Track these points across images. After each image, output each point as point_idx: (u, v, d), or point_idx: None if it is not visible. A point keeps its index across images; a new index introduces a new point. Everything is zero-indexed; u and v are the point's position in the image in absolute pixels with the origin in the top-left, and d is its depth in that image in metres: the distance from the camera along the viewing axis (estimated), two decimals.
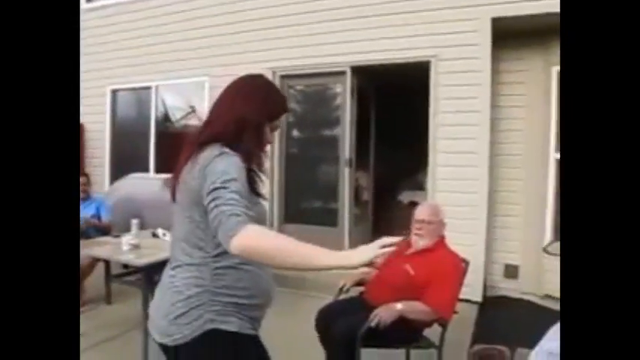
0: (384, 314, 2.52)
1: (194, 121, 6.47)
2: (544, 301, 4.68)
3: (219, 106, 1.60)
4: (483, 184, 4.71)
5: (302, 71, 5.52)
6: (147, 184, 5.36)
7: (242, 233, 1.28)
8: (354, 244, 5.52)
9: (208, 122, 1.58)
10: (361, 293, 2.94)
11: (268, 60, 5.56)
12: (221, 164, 1.41)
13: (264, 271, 1.59)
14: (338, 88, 5.58)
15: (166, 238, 3.92)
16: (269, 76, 5.56)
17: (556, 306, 4.31)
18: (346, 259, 1.30)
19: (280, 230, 5.73)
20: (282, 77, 5.65)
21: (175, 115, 6.73)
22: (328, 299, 2.99)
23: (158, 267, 3.38)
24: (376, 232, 6.33)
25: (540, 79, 4.78)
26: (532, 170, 4.87)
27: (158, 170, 6.46)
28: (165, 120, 6.74)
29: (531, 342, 1.71)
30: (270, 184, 5.61)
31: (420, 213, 2.86)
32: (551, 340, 1.52)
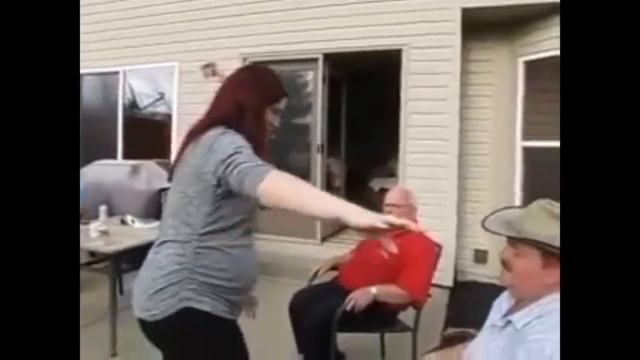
0: (359, 298, 2.54)
1: (163, 109, 6.36)
2: None
3: (220, 95, 1.68)
4: (453, 170, 4.79)
5: (274, 58, 5.47)
6: (114, 170, 5.25)
7: (269, 177, 1.32)
8: (324, 230, 5.57)
9: (210, 110, 1.65)
10: (335, 278, 2.96)
11: (240, 46, 5.50)
12: (227, 139, 1.47)
13: (249, 256, 1.61)
14: (309, 76, 5.57)
15: (135, 225, 3.85)
16: (240, 63, 5.51)
17: None
18: (353, 216, 1.23)
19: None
20: (254, 64, 5.58)
21: (143, 102, 6.60)
22: (299, 285, 3.00)
23: (126, 254, 3.34)
24: None
25: (507, 70, 4.89)
26: (499, 158, 4.99)
27: (126, 156, 6.32)
28: (132, 106, 6.59)
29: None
30: None
31: (390, 197, 2.91)
32: (494, 314, 1.57)
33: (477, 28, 4.81)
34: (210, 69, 5.56)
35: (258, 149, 1.54)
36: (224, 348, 1.58)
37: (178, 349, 1.54)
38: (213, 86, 5.94)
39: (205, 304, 1.51)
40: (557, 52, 4.43)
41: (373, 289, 2.58)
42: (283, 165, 5.80)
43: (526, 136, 4.80)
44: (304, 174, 5.63)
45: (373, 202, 8.00)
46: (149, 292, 1.51)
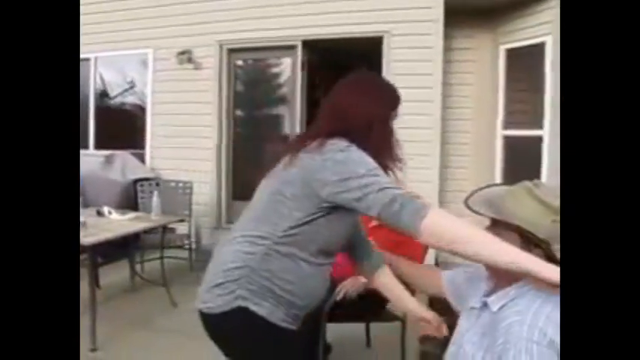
0: (349, 287, 2.50)
1: (133, 98, 6.17)
2: None
3: (340, 101, 1.53)
4: (435, 159, 4.78)
5: (251, 45, 5.36)
6: (87, 160, 5.07)
7: (432, 215, 1.25)
8: None
9: (330, 117, 1.52)
10: None
11: (216, 32, 5.34)
12: (356, 155, 1.37)
13: (320, 276, 1.53)
14: (282, 65, 5.49)
15: (112, 217, 3.71)
16: (216, 49, 5.38)
17: None
18: (546, 272, 1.18)
19: (229, 207, 5.63)
20: (230, 51, 5.46)
21: (114, 90, 6.38)
22: None
23: (104, 246, 3.23)
24: None
25: (489, 58, 4.90)
26: (481, 147, 5.01)
27: (98, 146, 6.12)
28: (103, 95, 6.37)
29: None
30: (217, 163, 5.49)
31: None
32: (473, 295, 1.54)
33: (459, 16, 4.79)
34: (185, 56, 5.41)
35: (386, 168, 1.46)
36: (277, 356, 1.50)
37: (232, 347, 1.51)
38: (189, 74, 5.76)
39: (262, 308, 1.43)
40: (538, 40, 4.46)
41: (363, 278, 2.54)
42: (260, 156, 5.79)
43: (507, 124, 4.83)
44: None
45: None
46: (209, 285, 1.48)
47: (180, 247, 4.58)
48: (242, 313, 1.42)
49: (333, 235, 1.49)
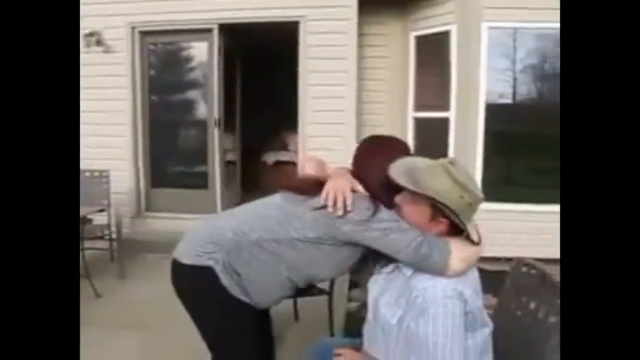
0: None
1: None
2: None
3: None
4: (351, 141, 4.98)
5: (165, 28, 5.22)
6: None
7: (454, 252, 1.51)
8: (226, 206, 5.53)
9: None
10: None
11: (128, 14, 5.14)
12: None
13: (287, 291, 1.72)
14: (202, 47, 5.39)
15: None
16: (127, 32, 5.19)
17: None
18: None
19: (148, 195, 5.52)
20: (143, 34, 5.28)
21: None
22: None
23: None
24: (245, 193, 6.38)
25: (400, 43, 5.16)
26: (393, 128, 5.28)
27: None
28: None
29: None
30: (134, 150, 5.35)
31: (300, 165, 2.98)
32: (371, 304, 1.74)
33: (372, 3, 4.99)
34: (94, 38, 5.15)
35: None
36: (227, 316, 1.69)
37: (192, 298, 1.73)
38: (99, 58, 5.50)
39: (225, 281, 1.64)
40: (444, 29, 4.78)
41: None
42: (177, 142, 5.68)
43: (417, 107, 5.14)
44: (200, 150, 5.52)
45: (267, 175, 8.09)
46: (193, 244, 1.71)
47: (101, 237, 4.45)
48: (209, 271, 1.63)
49: (327, 265, 1.66)
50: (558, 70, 4.74)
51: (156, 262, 4.25)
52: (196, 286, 1.69)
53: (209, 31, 5.19)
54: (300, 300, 3.35)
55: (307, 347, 2.07)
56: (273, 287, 1.68)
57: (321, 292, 2.93)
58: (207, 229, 1.77)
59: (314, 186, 1.64)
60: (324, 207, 1.55)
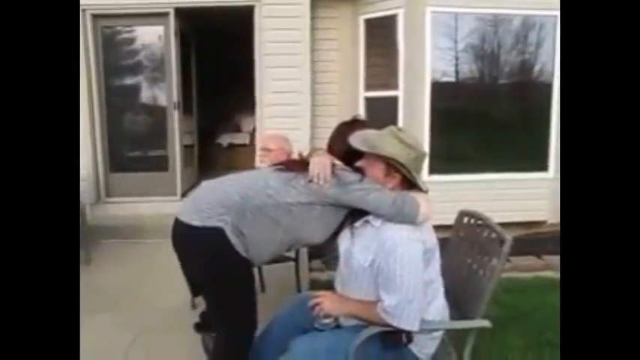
0: None
1: None
2: None
3: None
4: (306, 120, 5.23)
5: (120, 11, 5.21)
6: None
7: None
8: (185, 188, 5.65)
9: None
10: None
11: None
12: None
13: (275, 246, 2.02)
14: (158, 32, 5.42)
15: None
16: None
17: None
18: None
19: (107, 181, 5.56)
20: (95, 17, 5.23)
21: None
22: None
23: None
24: (201, 175, 6.49)
25: (350, 27, 5.40)
26: (345, 107, 5.54)
27: None
28: None
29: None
30: (91, 135, 5.36)
31: (263, 141, 3.21)
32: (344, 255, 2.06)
33: None
34: None
35: None
36: (238, 270, 1.99)
37: (199, 253, 1.95)
38: None
39: (233, 240, 1.91)
40: (392, 12, 5.05)
41: None
42: (136, 126, 5.69)
43: (367, 87, 5.41)
44: (159, 133, 5.58)
45: (222, 157, 8.17)
46: (202, 207, 1.94)
47: None
48: (221, 232, 1.89)
49: (318, 227, 1.98)
50: (496, 50, 5.15)
51: (119, 248, 4.33)
52: (208, 245, 1.93)
53: (165, 14, 5.24)
54: (265, 271, 3.53)
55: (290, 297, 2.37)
56: (271, 247, 2.01)
57: (286, 259, 3.17)
58: (216, 194, 2.01)
59: (301, 164, 1.97)
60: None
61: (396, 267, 1.77)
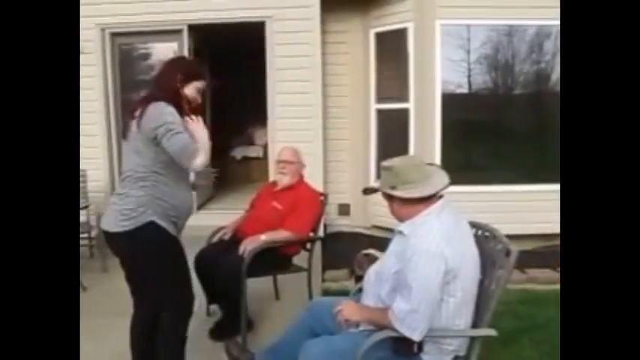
0: (249, 244, 2.89)
1: None
2: (371, 231, 5.52)
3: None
4: (318, 133, 5.27)
5: (135, 29, 5.35)
6: None
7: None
8: (200, 202, 5.70)
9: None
10: (234, 235, 3.19)
11: (97, 15, 5.24)
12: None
13: (185, 191, 2.25)
14: (172, 48, 5.53)
15: None
16: (97, 33, 5.30)
17: (380, 234, 5.15)
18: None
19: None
20: (113, 35, 5.40)
21: None
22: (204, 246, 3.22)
23: None
24: (216, 188, 6.54)
25: (361, 40, 5.46)
26: (357, 120, 5.59)
27: None
28: None
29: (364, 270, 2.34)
30: (108, 147, 5.50)
31: (283, 154, 3.24)
32: (377, 265, 2.16)
33: (334, 2, 5.26)
34: None
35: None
36: (175, 255, 2.22)
37: (141, 253, 2.15)
38: None
39: (163, 224, 2.13)
40: (402, 26, 5.10)
41: (262, 236, 2.95)
42: None
43: (379, 99, 5.44)
44: None
45: (236, 170, 8.21)
46: (123, 211, 2.09)
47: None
48: (153, 225, 2.10)
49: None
50: (510, 61, 5.14)
51: None
52: (146, 241, 2.12)
53: (179, 31, 5.35)
54: (279, 280, 3.60)
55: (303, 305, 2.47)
56: (186, 198, 2.27)
57: (299, 269, 3.20)
58: (126, 199, 2.11)
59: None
60: None
61: (409, 275, 1.81)
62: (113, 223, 2.13)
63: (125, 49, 5.62)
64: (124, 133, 2.21)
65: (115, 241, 2.19)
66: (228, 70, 7.10)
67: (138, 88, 5.72)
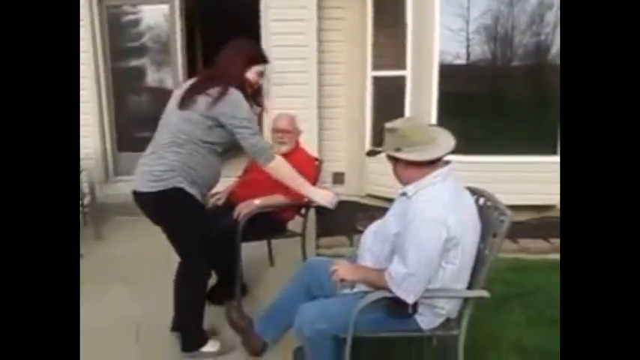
0: (243, 208, 2.89)
1: None
2: (366, 200, 5.53)
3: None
4: (313, 101, 5.22)
5: None
6: None
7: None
8: None
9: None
10: (228, 199, 3.19)
11: None
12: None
13: (217, 162, 2.42)
14: (163, 11, 5.40)
15: None
16: None
17: (375, 202, 5.16)
18: (312, 194, 2.54)
19: (116, 159, 5.61)
20: None
21: None
22: None
23: None
24: None
25: (357, 6, 5.34)
26: (352, 87, 5.51)
27: None
28: None
29: (363, 226, 2.35)
30: (99, 116, 5.40)
31: (280, 123, 3.20)
32: (375, 226, 2.15)
33: None
34: None
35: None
36: (199, 219, 2.37)
37: (167, 216, 2.30)
38: None
39: (191, 190, 2.27)
40: None
41: (256, 201, 2.94)
42: (141, 108, 5.69)
43: (375, 66, 5.37)
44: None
45: None
46: (153, 172, 2.23)
47: None
48: (180, 191, 2.22)
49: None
50: (510, 32, 5.07)
51: (128, 224, 4.36)
52: (173, 204, 2.25)
53: None
54: (274, 247, 3.63)
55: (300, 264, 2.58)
56: (216, 171, 2.43)
57: (294, 234, 3.20)
58: (159, 160, 2.25)
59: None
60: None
61: (409, 239, 1.81)
62: (142, 184, 2.26)
63: (113, 13, 5.43)
64: (181, 101, 2.28)
65: (142, 201, 2.29)
66: (221, 34, 6.95)
67: (128, 55, 5.66)
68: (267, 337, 2.31)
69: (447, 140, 1.97)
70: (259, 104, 2.60)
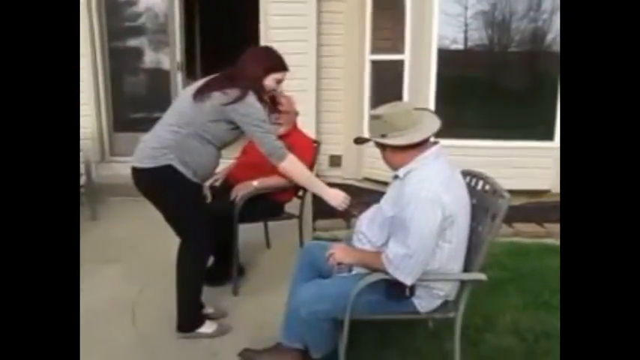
0: (241, 190, 2.89)
1: None
2: (362, 183, 5.53)
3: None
4: (311, 83, 5.19)
5: None
6: None
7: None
8: None
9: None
10: (226, 180, 3.18)
11: None
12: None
13: (212, 154, 2.40)
14: None
15: None
16: None
17: (371, 186, 5.17)
18: (323, 193, 2.53)
19: (112, 140, 5.58)
20: None
21: None
22: None
23: None
24: None
25: None
26: (351, 70, 5.48)
27: None
28: None
29: (358, 212, 2.36)
30: (95, 96, 5.36)
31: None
32: (370, 211, 2.16)
33: None
34: None
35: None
36: (192, 197, 2.40)
37: (157, 192, 2.36)
38: None
39: (182, 170, 2.30)
40: None
41: (254, 182, 2.93)
42: (138, 88, 5.66)
43: (374, 50, 5.34)
44: (163, 96, 5.54)
45: None
46: (147, 149, 2.31)
47: None
48: (170, 168, 2.27)
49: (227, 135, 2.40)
50: (507, 18, 5.05)
51: (124, 204, 4.37)
52: (164, 181, 2.30)
53: None
54: (270, 230, 3.63)
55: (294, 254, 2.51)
56: (210, 160, 2.41)
57: (291, 216, 3.21)
58: (155, 138, 2.34)
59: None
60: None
61: (406, 220, 1.81)
62: (138, 160, 2.33)
63: None
64: (197, 92, 2.33)
65: (137, 177, 2.35)
66: (220, 16, 6.90)
67: (126, 35, 5.61)
68: (299, 344, 2.15)
69: (431, 122, 1.98)
70: (274, 110, 2.73)
